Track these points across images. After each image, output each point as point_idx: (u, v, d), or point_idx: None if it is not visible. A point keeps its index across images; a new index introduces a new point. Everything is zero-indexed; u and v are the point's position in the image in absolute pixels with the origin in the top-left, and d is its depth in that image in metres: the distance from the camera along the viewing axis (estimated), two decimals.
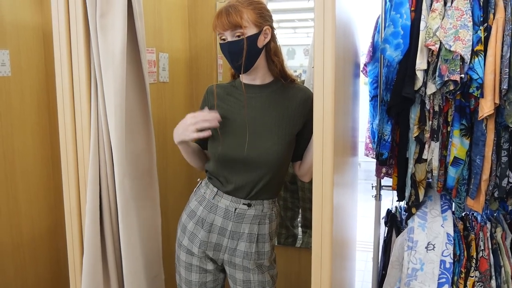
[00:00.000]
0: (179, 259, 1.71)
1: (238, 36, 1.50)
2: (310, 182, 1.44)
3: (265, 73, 1.62)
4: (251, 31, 1.50)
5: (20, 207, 2.22)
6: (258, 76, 1.61)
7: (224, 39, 1.53)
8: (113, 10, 1.61)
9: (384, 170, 2.07)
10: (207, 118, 1.55)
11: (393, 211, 2.21)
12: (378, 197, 2.17)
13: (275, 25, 1.62)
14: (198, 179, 1.79)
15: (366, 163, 4.35)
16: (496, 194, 1.81)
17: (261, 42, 1.54)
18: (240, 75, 1.65)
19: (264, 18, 1.54)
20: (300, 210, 2.51)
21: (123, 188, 1.69)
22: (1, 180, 2.11)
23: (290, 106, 1.60)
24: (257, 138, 1.57)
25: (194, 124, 1.53)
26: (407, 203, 2.00)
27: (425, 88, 1.78)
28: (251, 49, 1.51)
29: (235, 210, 1.61)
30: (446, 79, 1.69)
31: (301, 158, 1.69)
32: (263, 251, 1.63)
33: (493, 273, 1.85)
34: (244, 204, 1.60)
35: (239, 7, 1.49)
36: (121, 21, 1.61)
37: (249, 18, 1.50)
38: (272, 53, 1.58)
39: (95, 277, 1.72)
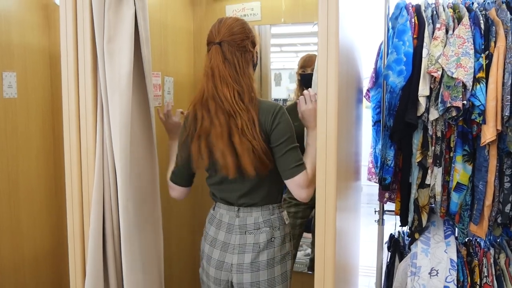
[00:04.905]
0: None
1: None
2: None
3: None
4: None
5: (22, 228, 2.22)
6: None
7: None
8: (120, 35, 1.64)
9: (387, 195, 2.07)
10: None
11: (396, 236, 2.20)
12: (381, 222, 2.16)
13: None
14: None
15: (369, 187, 4.33)
16: (499, 220, 1.81)
17: None
18: None
19: None
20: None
21: (127, 212, 1.69)
22: (4, 201, 2.11)
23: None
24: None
25: None
26: (410, 228, 1.99)
27: (428, 114, 1.80)
28: None
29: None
30: (448, 105, 1.71)
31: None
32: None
33: None
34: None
35: None
36: (128, 46, 1.64)
37: None
38: None
39: None
